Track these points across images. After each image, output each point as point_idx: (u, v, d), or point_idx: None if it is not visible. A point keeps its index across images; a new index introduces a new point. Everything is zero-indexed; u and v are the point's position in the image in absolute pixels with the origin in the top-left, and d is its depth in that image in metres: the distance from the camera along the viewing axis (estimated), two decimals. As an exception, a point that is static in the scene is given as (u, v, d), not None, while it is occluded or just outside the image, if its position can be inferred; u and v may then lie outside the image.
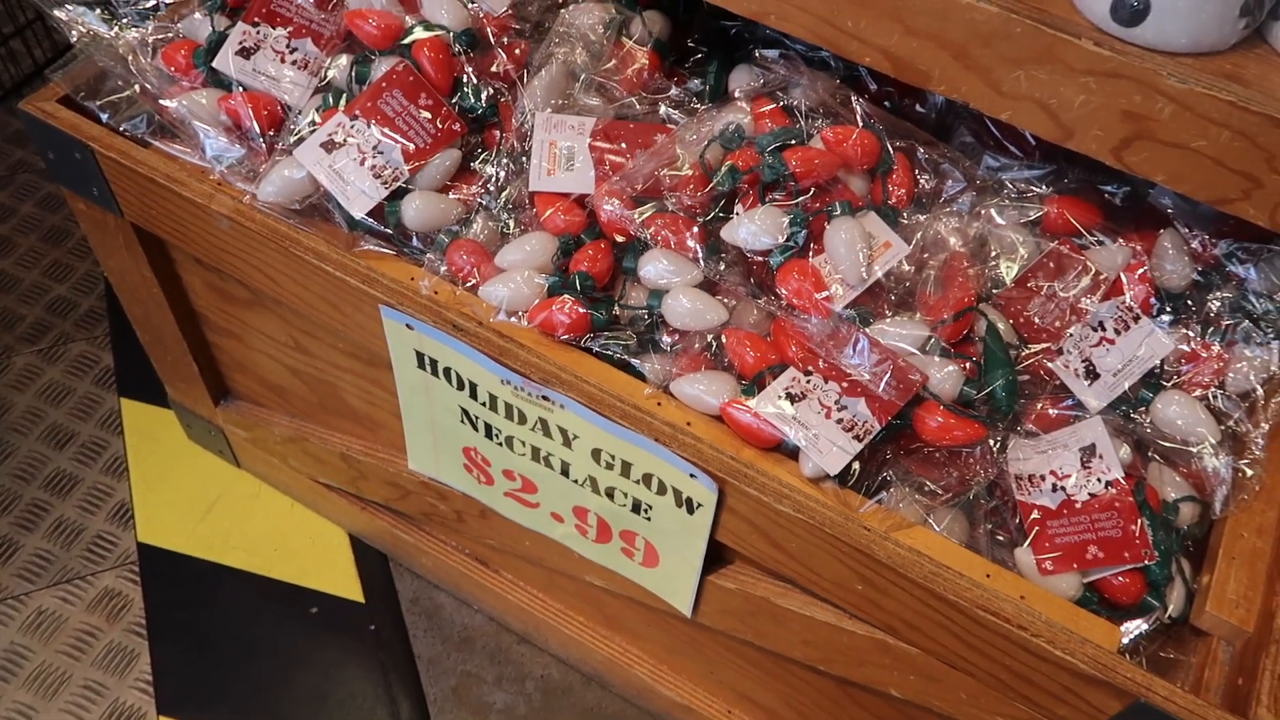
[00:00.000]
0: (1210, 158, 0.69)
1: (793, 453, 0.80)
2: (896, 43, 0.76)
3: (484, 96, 0.94)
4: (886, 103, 1.04)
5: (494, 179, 0.93)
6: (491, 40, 0.96)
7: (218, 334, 1.18)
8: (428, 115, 0.91)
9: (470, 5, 0.96)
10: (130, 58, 0.98)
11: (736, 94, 1.00)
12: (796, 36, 0.79)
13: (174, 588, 1.31)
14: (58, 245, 1.67)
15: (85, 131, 0.96)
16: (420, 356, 0.90)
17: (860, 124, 0.91)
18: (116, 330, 1.56)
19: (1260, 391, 0.85)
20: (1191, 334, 0.87)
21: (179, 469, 1.41)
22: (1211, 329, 0.87)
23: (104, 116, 0.97)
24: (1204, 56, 0.69)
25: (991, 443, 0.81)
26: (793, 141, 0.89)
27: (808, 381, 0.80)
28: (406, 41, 0.93)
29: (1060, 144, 0.74)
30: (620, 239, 0.88)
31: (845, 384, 0.80)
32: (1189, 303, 0.88)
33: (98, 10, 1.00)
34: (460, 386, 0.90)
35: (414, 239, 0.91)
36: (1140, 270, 0.88)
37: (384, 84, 0.91)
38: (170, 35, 1.01)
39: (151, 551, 1.34)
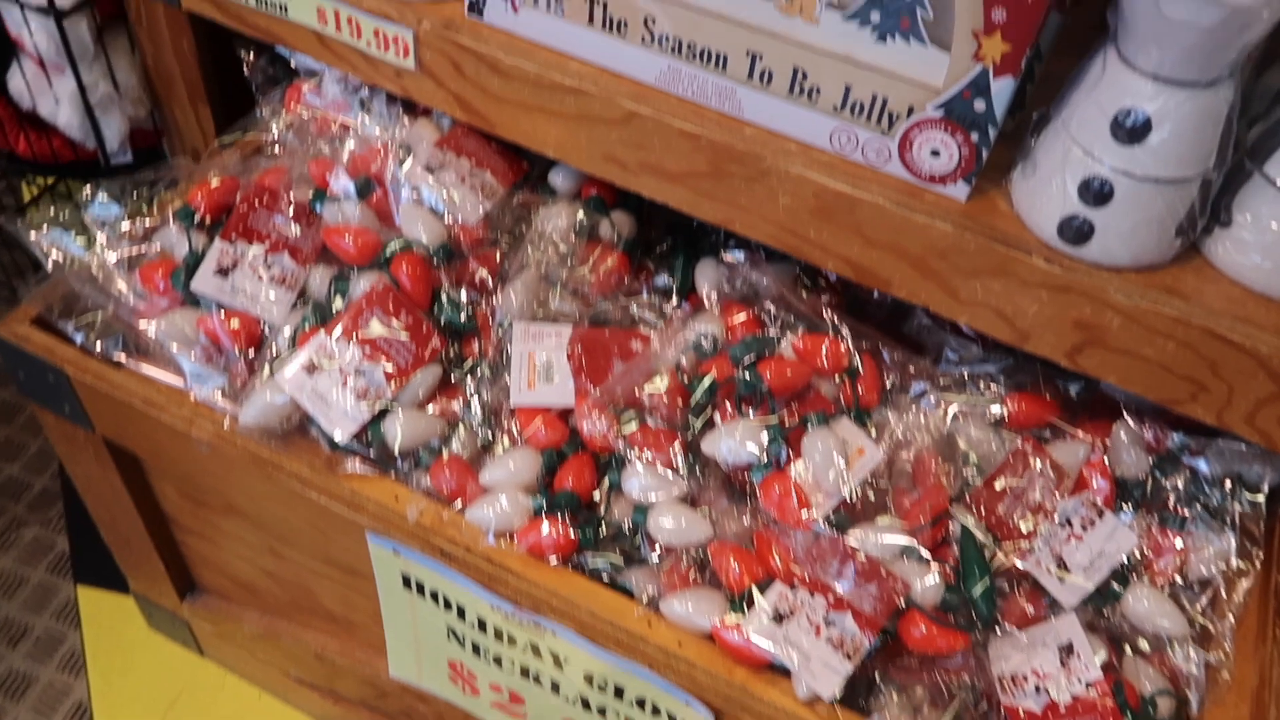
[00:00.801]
0: (1158, 364, 0.73)
1: (786, 669, 0.81)
2: (858, 252, 0.80)
3: (463, 309, 0.96)
4: (848, 292, 1.09)
5: (474, 393, 0.94)
6: (466, 252, 0.99)
7: (187, 534, 1.16)
8: (408, 334, 0.92)
9: (445, 219, 0.99)
10: (104, 278, 0.99)
11: (706, 290, 1.04)
12: (761, 242, 0.83)
13: (136, 795, 1.26)
14: (8, 422, 1.63)
15: (60, 355, 0.96)
16: (406, 579, 0.90)
17: (829, 329, 0.95)
18: (71, 512, 1.52)
19: (1221, 582, 0.88)
20: (1151, 524, 0.91)
21: (139, 661, 1.37)
22: (1170, 519, 0.91)
23: (78, 339, 0.97)
24: (1146, 271, 0.74)
25: (976, 647, 0.83)
26: (765, 352, 0.92)
27: (795, 597, 0.82)
28: (385, 257, 0.95)
29: (1017, 346, 0.78)
30: (603, 453, 0.90)
31: (832, 597, 0.81)
32: (1146, 493, 0.92)
33: (72, 232, 1.00)
34: (448, 608, 0.90)
35: (397, 458, 0.91)
36: (1101, 465, 0.92)
37: (364, 304, 0.92)
38: (144, 252, 1.01)
39: (112, 756, 1.29)
